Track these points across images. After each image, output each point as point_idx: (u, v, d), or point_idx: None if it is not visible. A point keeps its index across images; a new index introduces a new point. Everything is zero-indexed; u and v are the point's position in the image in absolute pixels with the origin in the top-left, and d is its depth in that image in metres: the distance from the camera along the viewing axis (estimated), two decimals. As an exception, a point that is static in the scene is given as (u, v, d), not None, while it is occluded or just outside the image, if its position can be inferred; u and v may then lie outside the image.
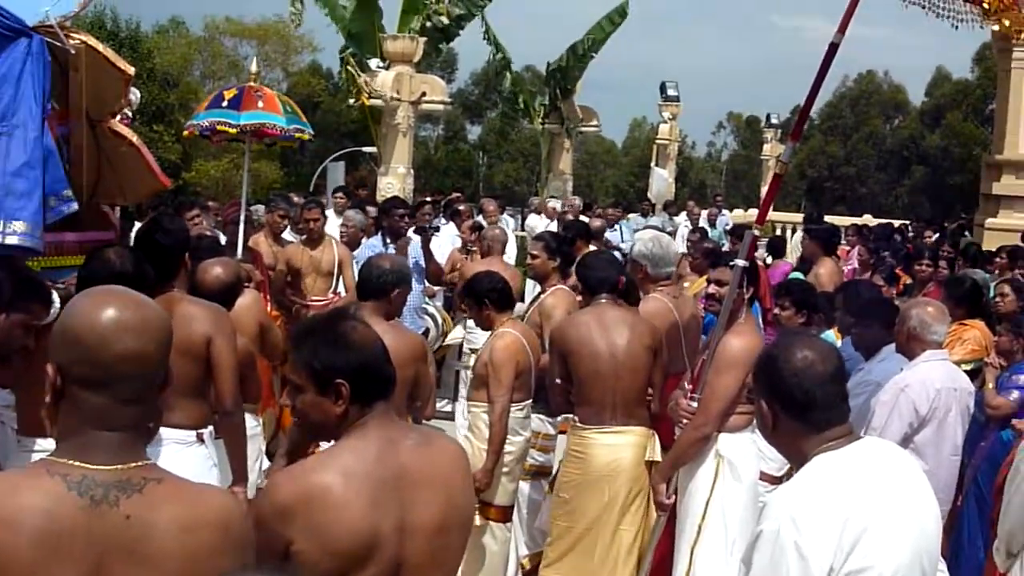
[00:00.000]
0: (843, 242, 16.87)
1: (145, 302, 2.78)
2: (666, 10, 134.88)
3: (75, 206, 6.25)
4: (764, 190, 8.89)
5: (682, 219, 24.25)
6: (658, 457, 7.14)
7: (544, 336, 7.91)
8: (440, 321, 12.18)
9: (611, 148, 79.93)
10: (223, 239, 10.59)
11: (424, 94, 23.11)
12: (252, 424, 7.12)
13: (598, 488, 7.10)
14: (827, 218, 23.57)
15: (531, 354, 7.57)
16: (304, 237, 11.41)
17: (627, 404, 7.14)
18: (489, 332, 7.77)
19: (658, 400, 7.34)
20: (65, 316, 2.72)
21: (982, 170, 25.74)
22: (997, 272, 13.83)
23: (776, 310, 8.39)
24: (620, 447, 7.10)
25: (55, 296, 5.58)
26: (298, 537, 3.27)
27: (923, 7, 6.43)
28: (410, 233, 11.84)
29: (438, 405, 9.08)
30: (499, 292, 7.72)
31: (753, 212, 29.20)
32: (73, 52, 6.33)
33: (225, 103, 11.55)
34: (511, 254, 15.64)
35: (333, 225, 13.37)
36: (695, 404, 6.61)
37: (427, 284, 12.09)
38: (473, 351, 9.67)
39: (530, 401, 7.76)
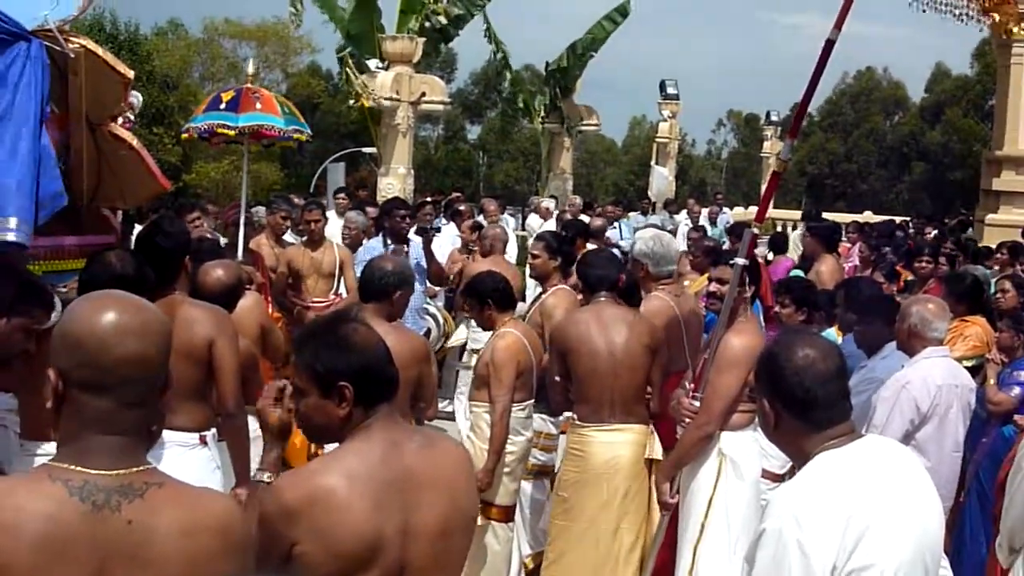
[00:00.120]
0: (844, 239, 16.86)
1: (145, 305, 2.79)
2: (665, 8, 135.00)
3: (64, 201, 6.24)
4: (764, 188, 8.89)
5: (683, 217, 24.26)
6: (657, 455, 7.15)
7: (545, 336, 7.91)
8: (442, 321, 12.18)
9: (611, 147, 79.94)
10: (223, 241, 10.59)
11: (424, 94, 23.10)
12: (255, 426, 7.11)
13: (597, 486, 7.11)
14: (827, 215, 23.60)
15: (532, 354, 7.57)
16: (305, 239, 11.41)
17: (626, 402, 7.15)
18: (491, 332, 7.77)
19: (657, 398, 7.35)
20: (65, 321, 2.72)
21: (982, 166, 25.74)
22: (997, 268, 13.83)
23: (777, 308, 8.39)
24: (619, 445, 7.11)
25: (56, 300, 5.57)
26: (302, 539, 3.27)
27: (923, 8, 6.45)
28: (411, 234, 11.84)
29: (440, 405, 9.07)
30: (501, 292, 7.72)
31: (753, 210, 29.23)
32: (72, 56, 6.33)
33: (223, 105, 11.57)
34: (511, 253, 15.66)
35: (334, 226, 13.37)
36: (697, 403, 6.61)
37: (429, 285, 12.08)
38: (476, 351, 9.67)
39: (532, 401, 7.76)
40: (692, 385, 6.75)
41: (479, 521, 7.03)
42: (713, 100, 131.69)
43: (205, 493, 2.83)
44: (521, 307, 9.44)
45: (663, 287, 8.25)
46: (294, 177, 49.73)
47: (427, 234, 11.93)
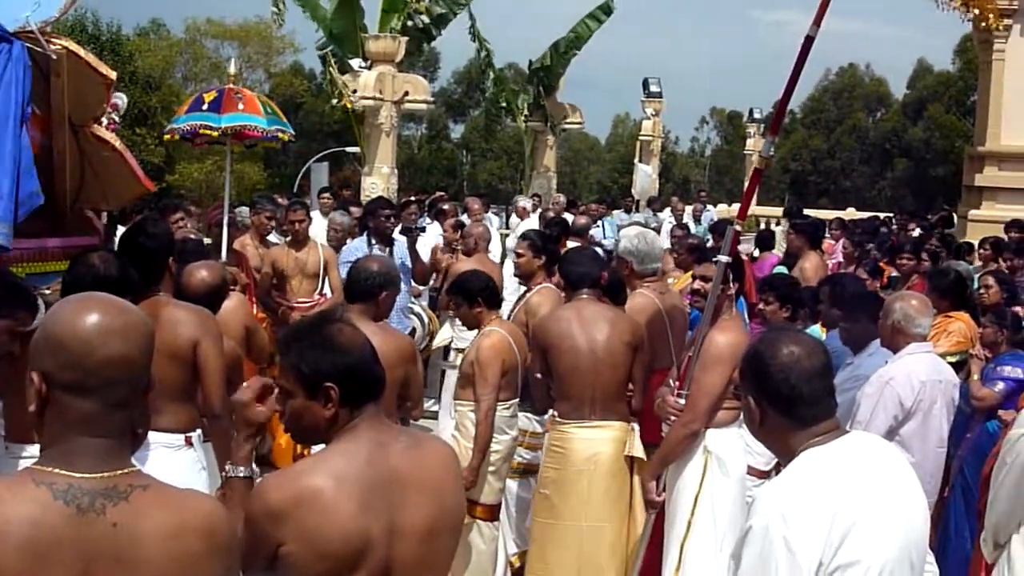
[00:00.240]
0: (827, 236, 16.89)
1: (127, 306, 2.78)
2: (648, 7, 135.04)
3: (40, 199, 6.22)
4: (746, 185, 8.88)
5: (666, 215, 24.29)
6: (637, 452, 7.16)
7: (530, 334, 7.92)
8: (427, 320, 12.17)
9: (595, 145, 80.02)
10: (207, 242, 10.57)
11: (407, 93, 23.09)
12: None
13: (577, 483, 7.12)
14: (810, 212, 23.64)
15: (518, 353, 7.58)
16: (289, 239, 11.39)
17: (606, 399, 7.17)
18: (475, 331, 7.78)
19: (640, 396, 7.37)
20: (48, 323, 2.71)
21: (965, 162, 25.82)
22: (980, 264, 13.87)
23: (761, 305, 8.41)
24: (599, 441, 7.13)
25: (40, 302, 5.56)
26: (288, 539, 3.27)
27: None
28: (396, 233, 11.82)
29: (425, 405, 9.07)
30: (490, 291, 7.74)
31: (737, 207, 29.35)
32: (54, 57, 6.32)
33: (205, 106, 11.54)
34: (495, 252, 15.66)
35: (319, 226, 13.35)
36: (682, 401, 6.62)
37: (413, 284, 12.07)
38: (461, 351, 9.67)
39: (517, 400, 7.77)
40: (677, 383, 6.77)
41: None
42: (696, 98, 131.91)
43: (190, 495, 2.83)
44: (506, 306, 9.44)
45: (648, 284, 8.26)
46: (277, 177, 49.68)
47: (412, 234, 11.92)
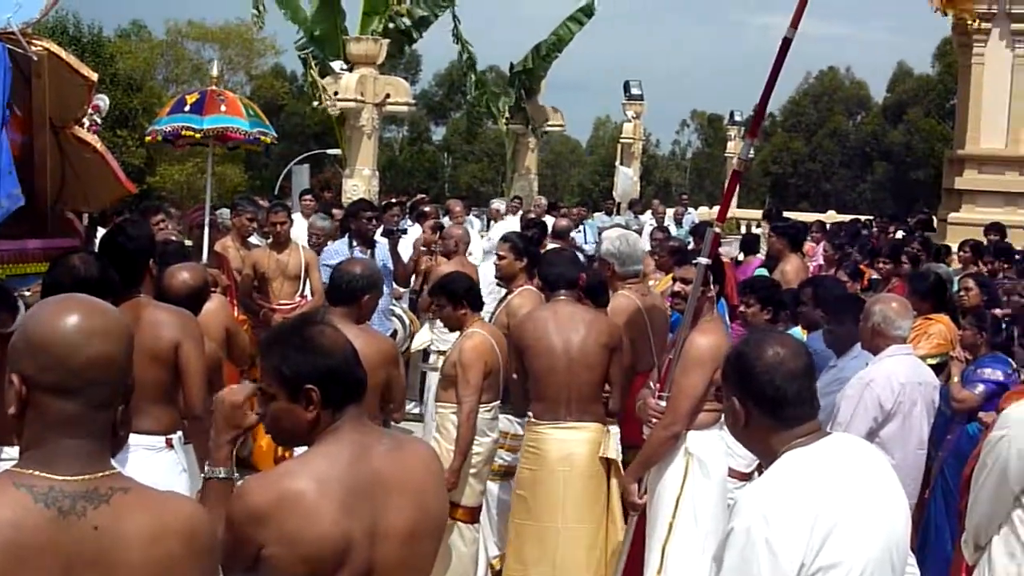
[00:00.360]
0: (808, 238, 16.94)
1: (107, 307, 2.77)
2: (630, 9, 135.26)
3: (21, 201, 6.20)
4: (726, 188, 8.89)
5: (647, 217, 24.29)
6: (612, 454, 7.17)
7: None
8: (408, 323, 12.17)
9: (576, 147, 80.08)
10: (188, 244, 10.55)
11: (388, 96, 23.08)
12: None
13: (553, 483, 7.14)
14: (791, 215, 23.69)
15: (500, 355, 7.58)
16: (270, 241, 11.37)
17: (582, 400, 7.18)
18: (457, 333, 7.78)
19: (617, 397, 7.37)
20: (28, 325, 2.69)
21: (944, 165, 25.91)
22: (960, 266, 13.93)
23: (741, 307, 8.42)
24: (573, 443, 7.14)
25: (20, 303, 5.54)
26: (270, 542, 3.26)
27: None
28: (378, 235, 11.82)
29: (407, 407, 9.07)
30: (475, 293, 7.75)
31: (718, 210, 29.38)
32: (35, 59, 6.30)
33: (187, 108, 11.55)
34: (477, 254, 15.65)
35: (300, 228, 13.34)
36: (663, 403, 6.63)
37: (395, 287, 12.07)
38: (441, 353, 9.67)
39: (498, 402, 7.78)
40: (658, 385, 6.77)
41: (446, 522, 7.06)
42: (678, 101, 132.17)
43: (171, 497, 2.82)
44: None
45: (630, 286, 8.27)
46: (258, 179, 49.61)
47: (393, 236, 11.92)
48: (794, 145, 71.02)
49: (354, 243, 11.49)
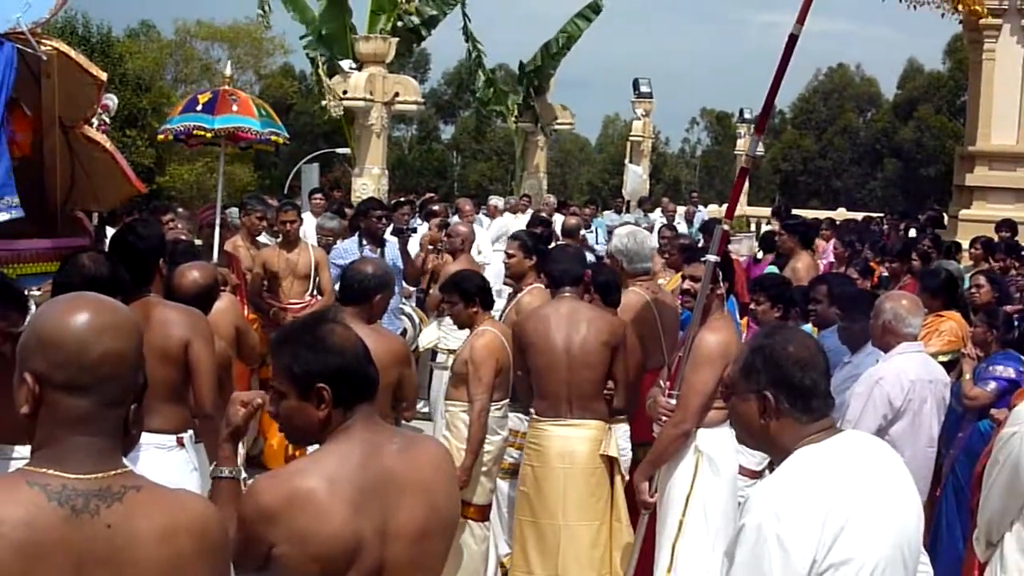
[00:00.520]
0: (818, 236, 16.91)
1: (116, 305, 2.78)
2: (638, 7, 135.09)
3: (19, 212, 6.21)
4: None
5: (657, 215, 24.26)
6: (613, 452, 7.17)
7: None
8: (417, 321, 12.18)
9: (585, 146, 79.98)
10: (198, 243, 10.56)
11: (397, 94, 23.10)
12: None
13: (554, 481, 7.14)
14: (801, 212, 23.66)
15: (510, 353, 7.58)
16: (280, 240, 11.37)
17: (583, 398, 7.18)
18: (466, 330, 7.78)
19: (623, 395, 7.36)
20: (38, 324, 2.69)
21: (955, 162, 25.84)
22: (971, 263, 13.90)
23: (752, 305, 8.41)
24: (574, 440, 7.14)
25: (31, 303, 5.55)
26: (280, 540, 3.26)
27: None
28: (387, 234, 11.82)
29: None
30: (487, 291, 7.75)
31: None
32: (45, 58, 6.31)
33: (199, 107, 11.54)
34: (487, 252, 15.66)
35: (310, 227, 13.34)
36: (673, 401, 6.62)
37: (404, 285, 12.06)
38: (451, 351, 9.67)
39: (507, 400, 7.77)
40: (668, 383, 6.76)
41: (457, 521, 7.05)
42: (687, 98, 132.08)
43: (182, 495, 2.82)
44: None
45: (640, 283, 8.25)
46: (267, 178, 49.56)
47: (403, 235, 11.91)
48: (804, 142, 70.88)
49: (364, 242, 11.49)
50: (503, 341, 7.53)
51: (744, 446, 3.98)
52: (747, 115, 47.19)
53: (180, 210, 14.64)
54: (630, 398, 7.55)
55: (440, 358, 11.07)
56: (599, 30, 30.66)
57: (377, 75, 22.83)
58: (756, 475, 7.46)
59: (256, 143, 11.90)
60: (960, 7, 7.83)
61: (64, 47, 6.62)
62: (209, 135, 11.41)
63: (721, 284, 6.73)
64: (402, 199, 17.99)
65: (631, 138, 38.00)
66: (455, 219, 15.01)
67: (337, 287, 7.54)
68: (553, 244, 11.90)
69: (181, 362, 5.99)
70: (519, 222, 18.38)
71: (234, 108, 11.42)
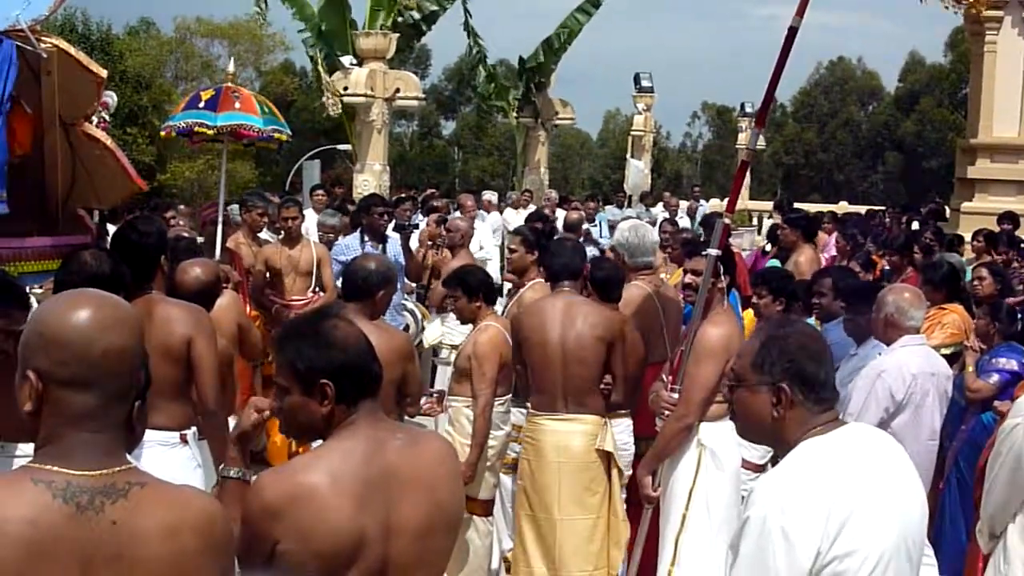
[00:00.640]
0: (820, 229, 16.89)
1: (118, 301, 2.78)
2: (639, 1, 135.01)
3: (5, 210, 6.22)
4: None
5: (659, 210, 24.25)
6: (608, 446, 7.15)
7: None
8: (419, 317, 12.18)
9: (586, 141, 79.94)
10: (200, 240, 10.56)
11: (398, 90, 23.10)
12: (231, 425, 7.10)
13: (550, 475, 7.14)
14: (803, 206, 23.65)
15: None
16: (282, 236, 11.37)
17: (578, 393, 7.16)
18: (468, 326, 7.78)
19: (621, 390, 7.34)
20: (40, 320, 2.69)
21: (957, 154, 25.81)
22: (974, 256, 13.90)
23: (754, 298, 8.40)
24: (570, 434, 7.13)
25: (33, 300, 5.55)
26: (284, 537, 3.26)
27: None
28: (389, 230, 11.82)
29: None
30: (490, 286, 7.76)
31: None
32: (45, 56, 6.31)
33: (202, 104, 11.54)
34: (488, 248, 15.66)
35: (312, 224, 13.35)
36: (676, 395, 6.61)
37: (406, 281, 12.06)
38: (453, 347, 9.67)
39: (510, 395, 7.77)
40: (670, 377, 6.76)
41: (462, 516, 7.05)
42: (688, 93, 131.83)
43: (187, 492, 2.82)
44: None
45: (642, 277, 8.25)
46: (269, 175, 49.57)
47: (405, 231, 11.91)
48: (806, 136, 70.88)
49: (365, 238, 11.49)
50: (506, 336, 7.52)
51: (747, 440, 3.96)
52: (748, 109, 47.11)
53: (182, 207, 14.65)
54: (632, 392, 7.55)
55: (443, 354, 11.08)
56: (599, 25, 30.66)
57: (378, 71, 22.84)
58: (759, 469, 7.45)
59: (258, 140, 11.90)
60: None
61: (64, 44, 6.62)
62: (211, 132, 11.41)
63: (723, 278, 6.73)
64: (403, 195, 18.00)
65: (632, 133, 38.01)
66: (457, 215, 15.00)
67: (339, 283, 7.54)
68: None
69: (184, 359, 5.99)
70: (520, 217, 18.39)
71: (237, 105, 11.41)
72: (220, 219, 11.12)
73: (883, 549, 3.28)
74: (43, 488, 2.56)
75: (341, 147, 31.84)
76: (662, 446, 6.69)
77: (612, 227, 14.20)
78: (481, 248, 15.97)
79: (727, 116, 70.97)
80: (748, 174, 37.15)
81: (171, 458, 5.91)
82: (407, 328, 11.54)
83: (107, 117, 9.75)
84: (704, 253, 6.68)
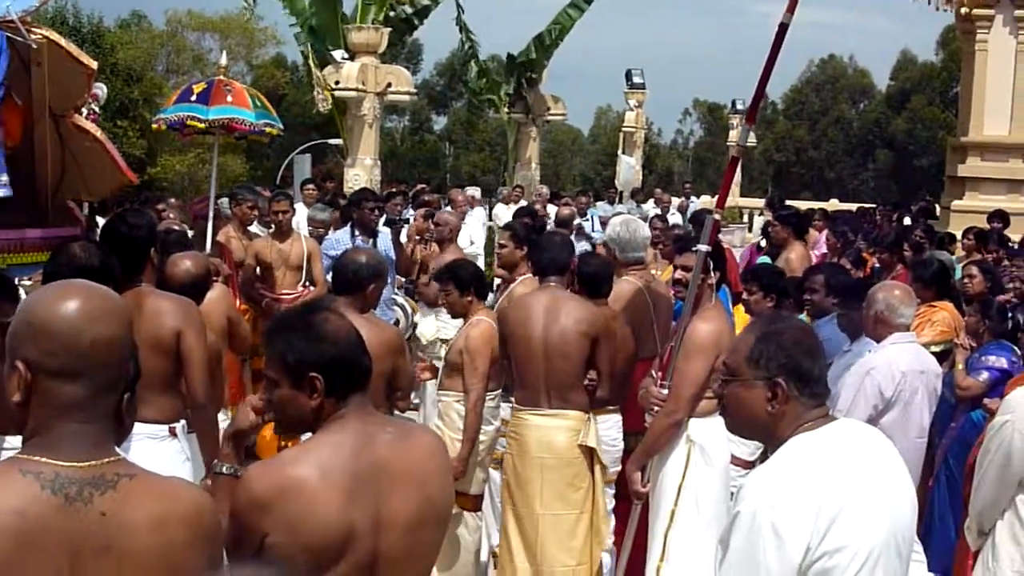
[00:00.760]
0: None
1: (105, 290, 2.77)
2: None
3: (8, 192, 6.19)
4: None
5: (650, 206, 24.26)
6: (591, 442, 7.13)
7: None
8: (409, 311, 12.17)
9: (577, 137, 79.98)
10: (190, 233, 10.55)
11: (390, 85, 23.08)
12: (220, 418, 7.10)
13: (533, 470, 7.13)
14: (792, 203, 23.69)
15: (503, 343, 7.56)
16: (273, 230, 11.36)
17: (561, 388, 7.14)
18: (459, 320, 7.77)
19: (607, 386, 7.31)
20: (28, 312, 2.69)
21: (947, 153, 25.88)
22: (964, 254, 13.91)
23: (745, 295, 8.41)
24: (552, 430, 7.12)
25: (22, 292, 5.53)
26: (273, 530, 3.25)
27: None
28: (380, 225, 11.81)
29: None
30: (483, 281, 7.75)
31: (720, 198, 29.26)
32: (35, 47, 6.28)
33: (194, 97, 11.50)
34: (479, 243, 15.65)
35: (302, 218, 13.34)
36: (665, 391, 6.61)
37: (397, 276, 12.05)
38: (444, 342, 9.66)
39: (500, 390, 7.77)
40: (660, 373, 6.75)
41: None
42: (680, 89, 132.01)
43: (176, 484, 2.82)
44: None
45: (633, 272, 8.24)
46: (260, 169, 49.58)
47: (396, 225, 11.90)
48: (797, 133, 71.01)
49: (356, 233, 11.48)
50: (497, 331, 7.51)
51: (737, 436, 3.96)
52: (739, 106, 47.18)
53: (172, 200, 14.63)
54: (621, 388, 7.54)
55: (433, 348, 11.06)
56: (591, 21, 30.62)
57: (369, 65, 22.81)
58: (749, 465, 7.46)
59: (250, 134, 11.88)
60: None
61: (54, 35, 6.57)
62: (203, 126, 11.38)
63: (712, 274, 6.72)
64: (395, 190, 17.99)
65: (624, 129, 38.07)
66: (447, 209, 14.99)
67: (330, 277, 7.52)
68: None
69: (173, 352, 5.98)
70: (511, 213, 18.39)
71: (229, 99, 11.38)
72: (211, 213, 11.10)
73: (873, 545, 3.28)
74: (32, 479, 2.56)
75: (332, 141, 31.86)
76: (651, 442, 6.69)
77: (604, 223, 14.18)
78: (472, 243, 15.97)
79: (718, 113, 71.07)
80: (739, 171, 37.21)
81: (160, 451, 5.90)
82: (397, 323, 11.53)
83: (97, 109, 9.70)
84: (694, 249, 6.68)
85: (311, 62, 23.73)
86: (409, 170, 56.93)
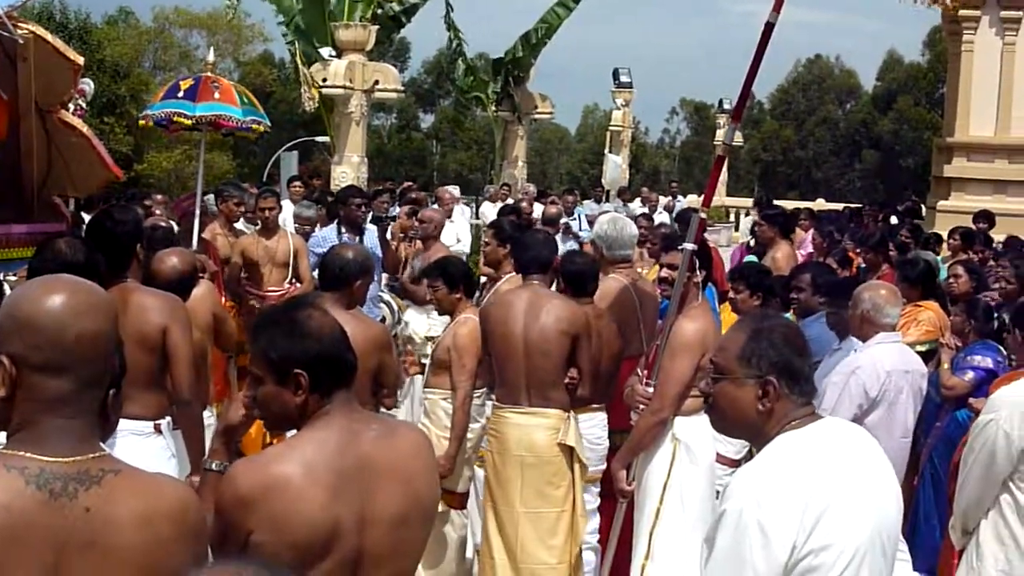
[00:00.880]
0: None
1: (92, 286, 2.77)
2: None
3: None
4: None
5: (636, 205, 24.26)
6: (571, 441, 7.11)
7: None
8: (396, 309, 12.15)
9: (564, 135, 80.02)
10: (176, 230, 10.52)
11: (377, 82, 23.05)
12: (206, 415, 7.09)
13: (513, 467, 7.12)
14: (778, 202, 23.73)
15: (490, 341, 7.56)
16: (259, 227, 11.33)
17: (541, 386, 7.12)
18: (447, 316, 7.77)
19: (587, 384, 7.30)
20: (13, 306, 2.68)
21: (933, 153, 25.93)
22: (950, 254, 13.94)
23: (731, 294, 8.41)
24: (532, 428, 7.10)
25: (6, 288, 5.52)
26: (258, 528, 3.24)
27: None
28: (367, 222, 11.80)
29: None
30: (471, 278, 7.74)
31: (707, 197, 29.23)
32: (21, 42, 6.28)
33: (181, 93, 11.46)
34: (466, 241, 15.63)
35: (289, 215, 13.31)
36: (651, 389, 6.61)
37: (384, 273, 12.03)
38: (431, 339, 9.66)
39: (485, 388, 7.76)
40: (646, 371, 6.75)
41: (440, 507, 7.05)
42: (667, 88, 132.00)
43: (161, 480, 2.82)
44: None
45: (620, 271, 8.23)
46: (246, 166, 49.55)
47: (383, 222, 11.89)
48: (784, 133, 71.12)
49: (343, 230, 11.46)
50: (483, 328, 7.51)
51: (723, 434, 3.96)
52: (726, 105, 47.20)
53: (158, 197, 14.60)
54: (607, 386, 7.54)
55: (418, 345, 11.06)
56: (579, 20, 30.58)
57: (357, 63, 22.79)
58: (734, 463, 7.46)
59: (237, 131, 11.85)
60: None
61: (41, 31, 6.59)
62: (190, 122, 11.35)
63: (698, 272, 6.72)
64: (382, 187, 17.97)
65: (611, 128, 38.08)
66: (434, 207, 14.97)
67: (316, 274, 7.50)
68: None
69: (159, 348, 5.96)
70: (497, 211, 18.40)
71: (216, 96, 11.35)
72: (198, 210, 11.07)
73: (858, 543, 3.28)
74: (16, 474, 2.55)
75: (319, 139, 31.81)
76: (637, 440, 6.69)
77: (591, 222, 14.18)
78: (459, 241, 15.96)
79: (705, 112, 71.17)
80: (726, 170, 37.24)
81: (145, 448, 5.88)
82: (384, 320, 11.52)
83: (84, 105, 9.70)
84: (680, 248, 6.68)
85: (298, 59, 23.71)
86: (396, 168, 56.96)
